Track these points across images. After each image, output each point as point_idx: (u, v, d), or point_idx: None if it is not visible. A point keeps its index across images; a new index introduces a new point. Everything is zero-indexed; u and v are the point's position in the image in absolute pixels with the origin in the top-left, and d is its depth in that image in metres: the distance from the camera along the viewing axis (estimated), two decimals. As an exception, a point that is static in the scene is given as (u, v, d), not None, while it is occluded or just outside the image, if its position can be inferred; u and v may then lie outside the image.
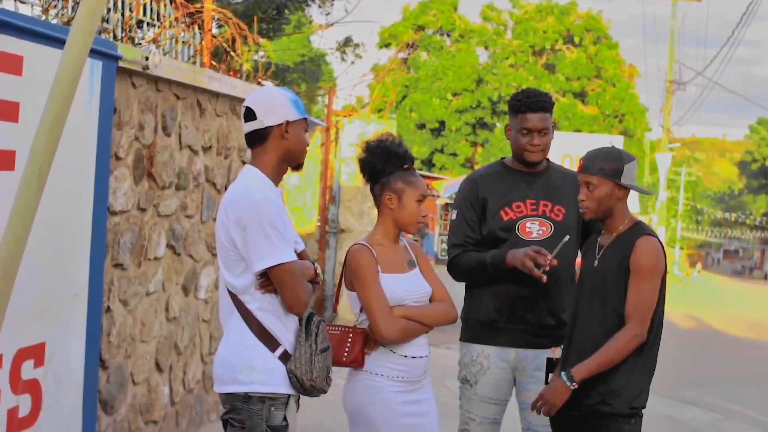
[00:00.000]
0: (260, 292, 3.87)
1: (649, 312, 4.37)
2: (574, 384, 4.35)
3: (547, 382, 4.80)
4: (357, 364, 4.41)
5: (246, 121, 4.03)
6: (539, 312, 5.00)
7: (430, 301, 4.56)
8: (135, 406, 6.16)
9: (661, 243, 4.48)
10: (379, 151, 4.55)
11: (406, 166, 4.54)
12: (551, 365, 4.84)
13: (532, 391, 4.97)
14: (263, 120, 3.98)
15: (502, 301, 4.99)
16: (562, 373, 4.40)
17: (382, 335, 4.35)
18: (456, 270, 5.04)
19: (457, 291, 5.02)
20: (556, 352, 4.95)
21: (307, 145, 4.13)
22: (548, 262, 4.70)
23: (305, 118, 4.06)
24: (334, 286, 14.90)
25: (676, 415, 10.70)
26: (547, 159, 5.19)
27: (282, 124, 3.98)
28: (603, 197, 4.42)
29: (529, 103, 4.99)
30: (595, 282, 4.52)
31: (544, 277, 4.73)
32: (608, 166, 4.42)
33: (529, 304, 4.97)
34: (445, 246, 39.31)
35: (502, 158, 5.31)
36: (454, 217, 5.14)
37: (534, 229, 5.01)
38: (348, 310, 4.67)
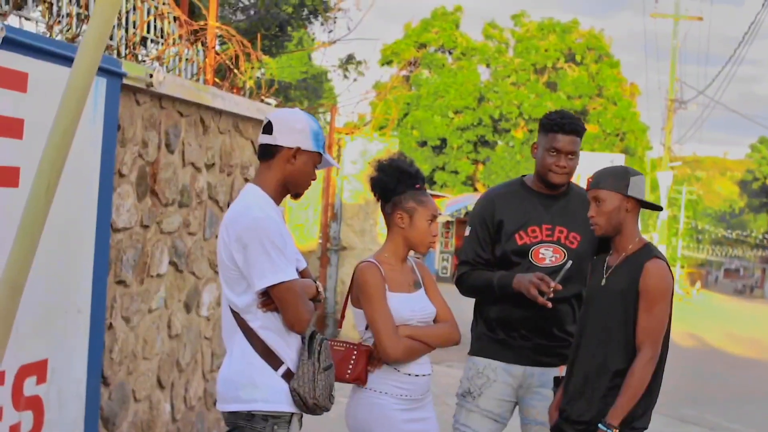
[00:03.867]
0: (262, 310, 3.88)
1: (660, 334, 4.39)
2: (616, 429, 4.33)
3: None
4: (360, 381, 4.41)
5: (263, 132, 4.03)
6: (548, 332, 4.99)
7: (434, 321, 4.57)
8: (136, 423, 6.15)
9: (669, 266, 4.49)
10: (391, 170, 4.55)
11: (417, 186, 4.54)
12: (559, 383, 4.85)
13: (536, 408, 4.96)
14: (277, 137, 3.98)
15: (512, 319, 4.97)
16: (600, 425, 4.37)
17: (387, 354, 4.35)
18: (463, 287, 5.05)
19: (461, 308, 5.01)
20: (563, 371, 4.95)
21: (313, 179, 4.10)
22: (551, 289, 4.70)
23: (320, 153, 4.05)
24: (336, 304, 14.89)
25: (676, 434, 10.69)
26: (569, 182, 5.15)
27: (293, 148, 3.97)
28: (612, 211, 4.46)
29: (563, 124, 4.93)
30: (601, 301, 4.53)
31: (549, 304, 4.72)
32: (614, 179, 4.48)
33: (539, 323, 4.95)
34: (445, 264, 39.44)
35: (523, 176, 5.26)
36: (467, 233, 5.11)
37: (547, 255, 4.98)
38: (352, 327, 4.67)
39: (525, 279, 4.79)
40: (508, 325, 4.98)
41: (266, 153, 4.03)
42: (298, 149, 3.97)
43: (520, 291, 4.80)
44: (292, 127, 3.99)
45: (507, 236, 5.00)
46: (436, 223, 4.56)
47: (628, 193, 4.45)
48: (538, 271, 4.85)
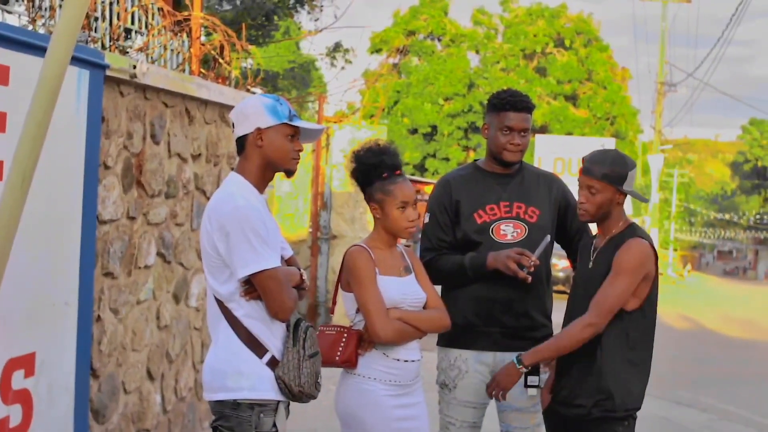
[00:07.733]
0: (245, 299, 3.88)
1: (612, 307, 4.35)
2: (523, 368, 4.43)
3: (526, 385, 4.81)
4: (350, 364, 4.40)
5: (233, 131, 4.08)
6: (516, 314, 4.96)
7: (425, 307, 4.56)
8: (127, 415, 6.15)
9: (653, 247, 4.46)
10: (359, 164, 4.59)
11: (385, 175, 4.54)
12: (529, 368, 4.86)
13: (511, 393, 4.96)
14: (237, 130, 4.05)
15: (479, 304, 4.95)
16: (515, 356, 4.47)
17: (378, 335, 4.35)
18: (431, 273, 4.83)
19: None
20: None
21: (297, 150, 4.09)
22: (532, 263, 4.71)
23: (284, 123, 4.03)
24: (327, 292, 14.90)
25: (670, 416, 10.71)
26: (521, 160, 5.16)
27: (252, 131, 3.99)
28: (604, 202, 4.43)
29: (514, 102, 4.95)
30: (588, 284, 4.53)
31: (529, 278, 4.74)
32: (614, 172, 4.41)
33: (505, 306, 4.93)
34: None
35: (475, 160, 5.28)
36: (427, 219, 5.09)
37: (508, 231, 4.98)
38: (344, 314, 4.65)
39: (502, 255, 4.79)
40: (478, 308, 4.95)
41: (239, 148, 4.09)
42: (258, 129, 3.99)
43: (496, 268, 4.80)
44: (245, 115, 4.03)
45: (466, 217, 5.00)
46: (412, 208, 4.54)
47: (624, 188, 4.42)
48: (502, 248, 4.86)
